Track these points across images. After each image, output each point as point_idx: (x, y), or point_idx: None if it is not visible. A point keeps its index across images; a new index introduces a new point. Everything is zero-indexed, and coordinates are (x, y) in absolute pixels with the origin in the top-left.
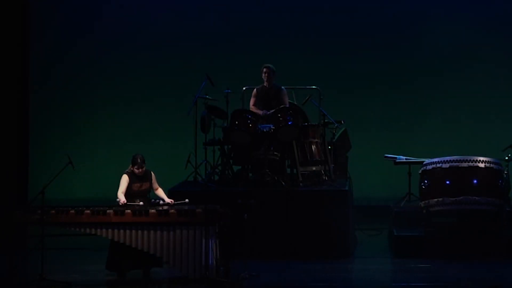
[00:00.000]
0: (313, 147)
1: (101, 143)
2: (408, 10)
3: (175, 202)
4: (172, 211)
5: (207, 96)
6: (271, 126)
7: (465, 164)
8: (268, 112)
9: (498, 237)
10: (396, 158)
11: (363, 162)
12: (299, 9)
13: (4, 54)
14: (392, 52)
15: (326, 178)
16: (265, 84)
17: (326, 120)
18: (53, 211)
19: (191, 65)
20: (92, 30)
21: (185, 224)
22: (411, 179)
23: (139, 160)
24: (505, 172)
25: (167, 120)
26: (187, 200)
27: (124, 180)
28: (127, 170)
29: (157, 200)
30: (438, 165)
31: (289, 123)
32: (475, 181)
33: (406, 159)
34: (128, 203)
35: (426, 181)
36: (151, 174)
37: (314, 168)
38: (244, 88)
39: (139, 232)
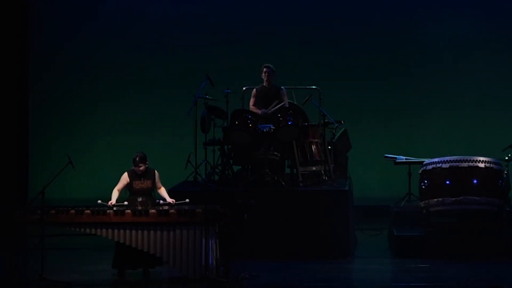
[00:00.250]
0: (313, 147)
1: (101, 143)
2: (408, 10)
3: (176, 202)
4: (172, 211)
5: (207, 96)
6: (271, 126)
7: (465, 164)
8: (267, 110)
9: (498, 237)
10: (396, 158)
11: (363, 162)
12: (299, 9)
13: (4, 54)
14: (392, 52)
15: (326, 178)
16: (264, 84)
17: (326, 120)
18: (53, 211)
19: (191, 65)
20: (92, 30)
21: (185, 224)
22: (411, 179)
23: (137, 159)
24: (505, 172)
25: (167, 120)
26: (187, 200)
27: (122, 177)
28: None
29: (158, 200)
30: (438, 165)
31: (289, 123)
32: (475, 181)
33: (406, 159)
34: (114, 204)
35: (426, 181)
36: (154, 172)
37: (314, 168)
38: (244, 88)
39: (139, 232)
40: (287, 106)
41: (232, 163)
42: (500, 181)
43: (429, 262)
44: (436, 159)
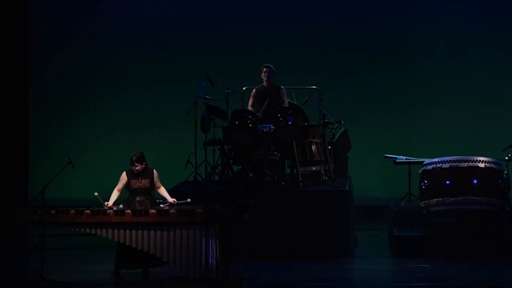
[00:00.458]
0: (313, 147)
1: (101, 143)
2: (409, 11)
3: (178, 202)
4: (172, 211)
5: (207, 96)
6: (271, 126)
7: (465, 164)
8: (263, 107)
9: (498, 237)
10: (396, 158)
11: (363, 162)
12: (299, 9)
13: (4, 54)
14: (392, 52)
15: (326, 178)
16: (264, 84)
17: (326, 120)
18: (53, 211)
19: (191, 65)
20: (92, 30)
21: (185, 224)
22: (411, 179)
23: (134, 158)
24: (505, 172)
25: (167, 120)
26: (189, 200)
27: (121, 177)
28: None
29: (158, 200)
30: (438, 165)
31: (289, 123)
32: (475, 181)
33: (406, 159)
34: (110, 206)
35: (426, 181)
36: (152, 172)
37: (314, 168)
38: (244, 88)
39: (139, 232)
40: (287, 106)
41: (232, 163)
42: (500, 181)
43: (429, 262)
44: (436, 159)
